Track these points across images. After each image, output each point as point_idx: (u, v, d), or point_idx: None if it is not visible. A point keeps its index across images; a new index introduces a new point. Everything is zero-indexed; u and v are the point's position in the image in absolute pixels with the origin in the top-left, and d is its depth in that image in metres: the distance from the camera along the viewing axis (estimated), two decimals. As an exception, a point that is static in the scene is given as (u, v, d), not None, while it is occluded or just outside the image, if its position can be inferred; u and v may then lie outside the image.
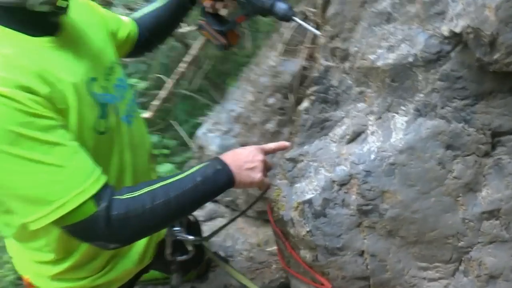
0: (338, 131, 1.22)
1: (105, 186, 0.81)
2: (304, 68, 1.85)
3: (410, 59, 1.04)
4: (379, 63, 1.09)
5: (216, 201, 2.35)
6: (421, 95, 1.05)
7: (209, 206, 2.23)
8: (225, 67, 2.60)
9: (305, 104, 1.27)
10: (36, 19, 0.82)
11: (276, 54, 1.93)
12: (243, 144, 2.12)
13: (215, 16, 1.24)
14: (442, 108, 1.03)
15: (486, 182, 1.04)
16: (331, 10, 1.14)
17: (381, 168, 1.12)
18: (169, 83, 2.41)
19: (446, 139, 1.03)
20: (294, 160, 1.32)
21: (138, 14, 1.32)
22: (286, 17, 1.12)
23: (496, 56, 0.85)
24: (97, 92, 0.93)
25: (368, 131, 1.16)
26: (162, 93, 2.42)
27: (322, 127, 1.25)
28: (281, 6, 1.12)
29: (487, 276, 1.07)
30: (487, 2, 0.82)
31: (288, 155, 1.33)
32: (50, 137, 0.76)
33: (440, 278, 1.15)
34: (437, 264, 1.15)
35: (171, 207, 0.85)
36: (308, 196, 1.26)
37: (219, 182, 0.93)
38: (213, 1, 1.21)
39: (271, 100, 1.96)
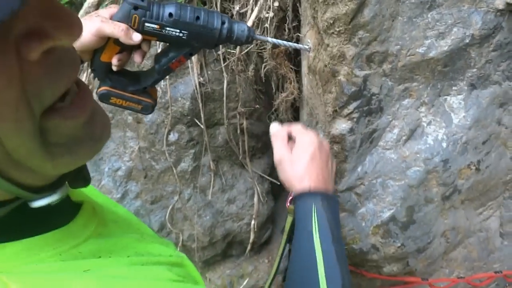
0: (390, 136, 1.12)
1: None
2: (202, 84, 1.54)
3: (467, 41, 1.01)
4: (432, 54, 1.02)
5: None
6: (474, 70, 1.06)
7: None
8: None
9: (344, 125, 1.08)
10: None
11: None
12: (154, 202, 1.70)
13: (122, 74, 0.88)
14: (494, 74, 1.08)
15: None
16: (367, 14, 0.95)
17: (456, 151, 1.12)
18: None
19: (500, 99, 1.11)
20: (351, 189, 1.14)
21: None
22: (249, 40, 0.89)
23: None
24: None
25: (424, 123, 1.11)
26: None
27: (371, 140, 1.11)
28: (240, 28, 0.87)
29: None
30: None
31: (342, 186, 1.14)
32: None
33: (494, 213, 1.31)
34: (490, 203, 1.29)
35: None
36: (386, 214, 1.15)
37: (334, 213, 0.88)
38: (121, 53, 0.83)
39: (173, 137, 1.58)
